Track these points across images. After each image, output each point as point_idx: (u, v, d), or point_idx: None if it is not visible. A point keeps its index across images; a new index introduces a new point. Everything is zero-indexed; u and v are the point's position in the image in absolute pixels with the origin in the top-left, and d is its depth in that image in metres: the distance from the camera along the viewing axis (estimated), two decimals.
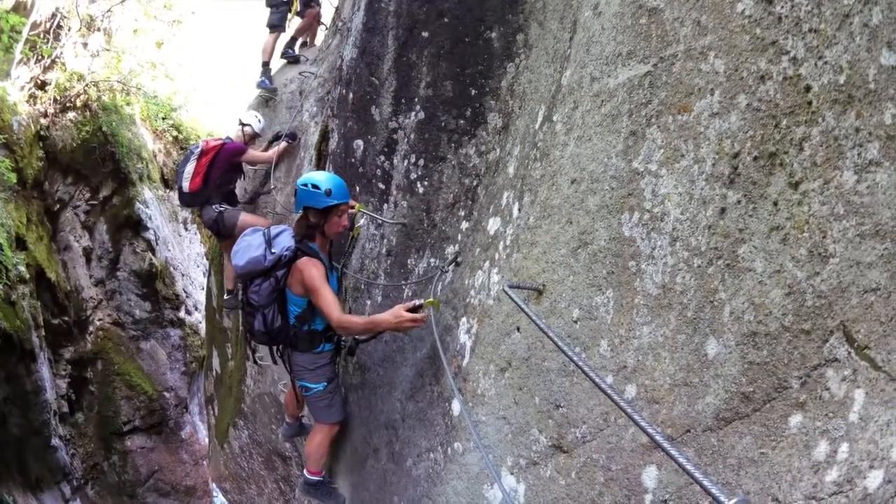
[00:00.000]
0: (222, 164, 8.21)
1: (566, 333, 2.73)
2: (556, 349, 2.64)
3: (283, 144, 8.78)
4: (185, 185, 8.19)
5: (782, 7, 1.94)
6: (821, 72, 1.82)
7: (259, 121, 8.96)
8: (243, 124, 8.92)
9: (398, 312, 3.92)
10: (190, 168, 8.12)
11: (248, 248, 4.60)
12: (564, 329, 2.76)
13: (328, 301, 4.33)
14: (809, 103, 1.85)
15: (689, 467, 1.65)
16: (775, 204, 1.90)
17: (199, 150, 8.14)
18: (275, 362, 5.34)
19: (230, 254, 8.58)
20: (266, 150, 9.01)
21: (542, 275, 2.98)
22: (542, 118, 3.33)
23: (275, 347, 5.11)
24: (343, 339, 5.16)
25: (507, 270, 3.32)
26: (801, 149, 1.85)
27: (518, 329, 3.15)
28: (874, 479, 1.62)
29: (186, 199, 8.57)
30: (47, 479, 12.78)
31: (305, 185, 4.44)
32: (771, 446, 1.86)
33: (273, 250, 4.48)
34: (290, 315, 4.73)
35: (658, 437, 1.77)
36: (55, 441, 12.81)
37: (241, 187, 9.08)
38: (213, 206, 8.34)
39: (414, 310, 3.93)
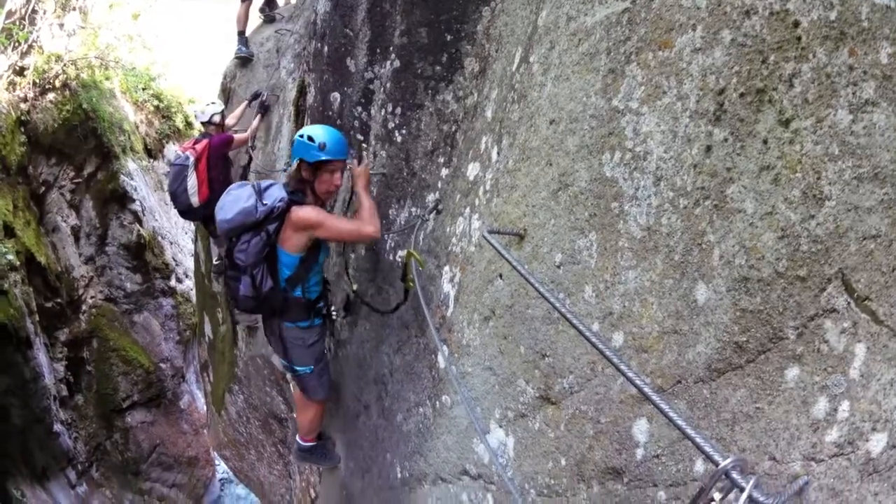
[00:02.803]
0: (218, 161, 8.02)
1: (549, 279, 2.65)
2: (539, 296, 2.54)
3: (257, 119, 8.70)
4: (195, 200, 7.96)
5: None
6: (810, 7, 1.70)
7: (213, 104, 8.63)
8: (206, 123, 8.56)
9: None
10: (192, 182, 7.87)
11: (235, 201, 4.26)
12: (547, 274, 2.67)
13: (337, 220, 4.22)
14: (798, 38, 1.73)
15: (680, 423, 1.58)
16: (765, 142, 1.79)
17: (191, 160, 7.83)
18: (266, 331, 5.04)
19: None
20: (246, 107, 8.96)
21: (522, 219, 2.89)
22: (518, 60, 3.22)
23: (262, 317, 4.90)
24: (333, 308, 4.97)
25: (488, 216, 3.24)
26: (791, 85, 1.74)
27: (501, 276, 3.07)
28: (878, 443, 1.53)
29: (199, 212, 8.28)
30: (52, 467, 12.84)
31: (302, 136, 4.21)
32: (767, 401, 1.77)
33: (264, 201, 4.17)
34: (281, 277, 4.44)
35: (647, 390, 1.69)
36: (57, 427, 12.84)
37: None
38: None
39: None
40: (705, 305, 1.94)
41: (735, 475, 1.47)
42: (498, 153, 3.26)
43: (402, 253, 3.94)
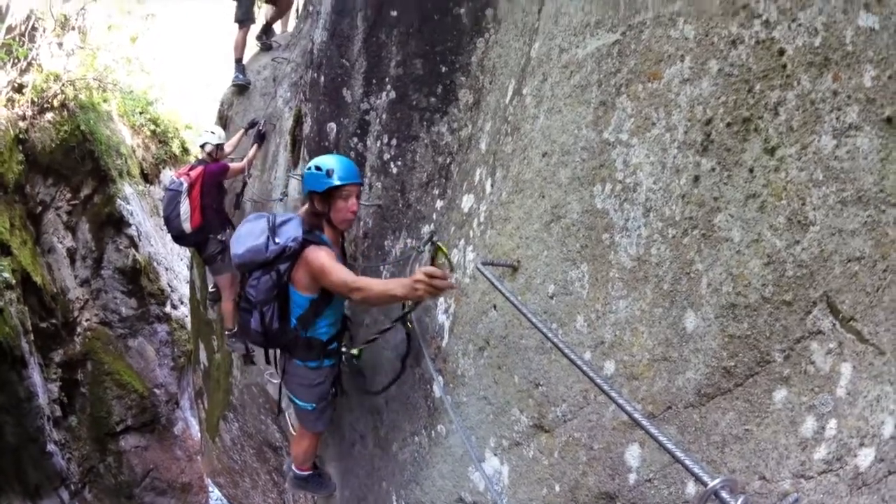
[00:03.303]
0: (212, 189, 8.01)
1: (542, 309, 2.68)
2: (533, 326, 2.58)
3: (254, 149, 8.71)
4: (187, 226, 7.92)
5: None
6: (794, 34, 1.76)
7: (212, 133, 8.60)
8: (203, 146, 8.56)
9: (412, 278, 3.22)
10: (185, 207, 7.84)
11: (248, 235, 4.04)
12: (540, 305, 2.70)
13: (339, 272, 3.80)
14: (784, 66, 1.79)
15: (670, 446, 1.60)
16: (751, 171, 1.84)
17: (184, 186, 7.82)
18: (267, 361, 4.85)
19: (230, 290, 8.46)
20: (243, 135, 8.97)
21: (516, 251, 2.93)
22: (511, 92, 3.27)
23: (270, 350, 4.70)
24: (344, 347, 4.72)
25: (482, 247, 3.27)
26: (777, 113, 1.79)
27: (495, 307, 3.10)
28: (865, 458, 1.57)
29: (191, 239, 8.29)
30: (46, 486, 12.75)
31: (309, 168, 4.02)
32: (755, 423, 1.81)
33: (277, 240, 3.94)
34: (292, 316, 4.18)
35: (637, 416, 1.71)
36: (51, 447, 12.77)
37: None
38: (218, 237, 8.15)
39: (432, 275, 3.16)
40: (694, 332, 1.97)
41: (724, 495, 1.49)
42: (492, 185, 3.30)
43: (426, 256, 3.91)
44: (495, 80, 3.70)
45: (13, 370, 11.30)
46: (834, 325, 1.64)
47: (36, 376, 12.24)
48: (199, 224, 7.93)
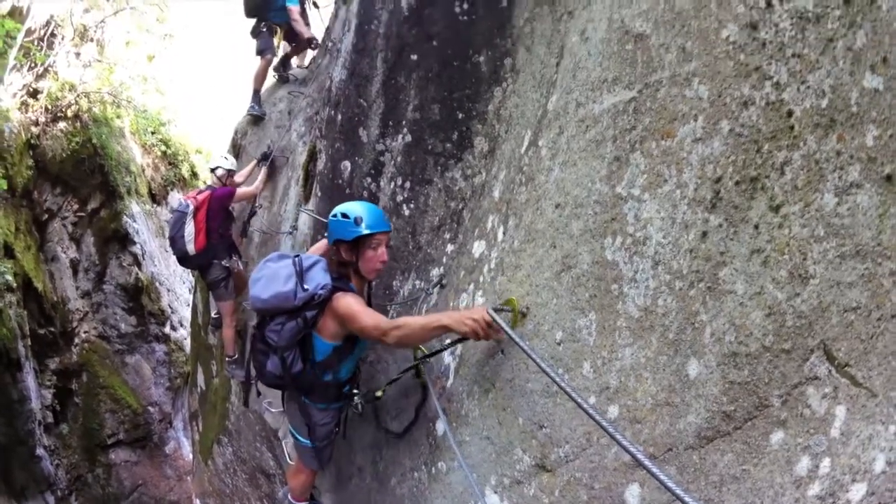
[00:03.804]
0: (218, 213, 8.11)
1: (549, 355, 2.75)
2: (539, 370, 2.65)
3: (262, 174, 8.84)
4: (191, 248, 8.02)
5: (766, 33, 1.98)
6: (803, 96, 1.86)
7: (225, 159, 8.74)
8: (214, 170, 8.69)
9: (468, 314, 3.07)
10: (189, 229, 7.95)
11: (273, 279, 3.90)
12: (547, 351, 2.78)
13: (370, 316, 3.63)
14: (791, 128, 1.89)
15: (670, 485, 1.68)
16: (756, 227, 1.94)
17: (190, 208, 7.96)
18: (284, 408, 4.69)
19: (232, 317, 8.48)
20: (255, 167, 9.07)
21: (525, 298, 3.00)
22: (527, 143, 3.37)
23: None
24: (357, 391, 4.50)
25: (492, 293, 3.33)
26: (783, 173, 1.89)
27: (502, 351, 3.16)
28: (857, 492, 1.65)
29: (194, 261, 8.38)
30: (32, 489, 12.75)
31: (335, 215, 3.88)
32: (753, 463, 1.90)
33: (305, 286, 3.81)
34: (312, 360, 4.05)
35: (640, 456, 1.79)
36: (40, 451, 12.84)
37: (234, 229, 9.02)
38: (223, 262, 8.23)
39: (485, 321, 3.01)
40: (696, 379, 2.07)
41: None
42: (504, 233, 3.38)
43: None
44: (511, 130, 3.79)
45: (7, 372, 11.41)
46: (830, 370, 1.73)
47: (30, 381, 12.35)
48: (202, 247, 8.04)
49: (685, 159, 2.21)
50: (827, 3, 1.83)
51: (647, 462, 1.77)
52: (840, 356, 1.71)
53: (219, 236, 8.17)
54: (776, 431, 1.85)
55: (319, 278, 3.85)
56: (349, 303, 3.72)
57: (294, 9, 9.82)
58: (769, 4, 1.98)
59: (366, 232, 3.79)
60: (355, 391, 4.47)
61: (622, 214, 2.46)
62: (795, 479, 1.79)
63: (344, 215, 3.83)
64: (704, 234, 2.10)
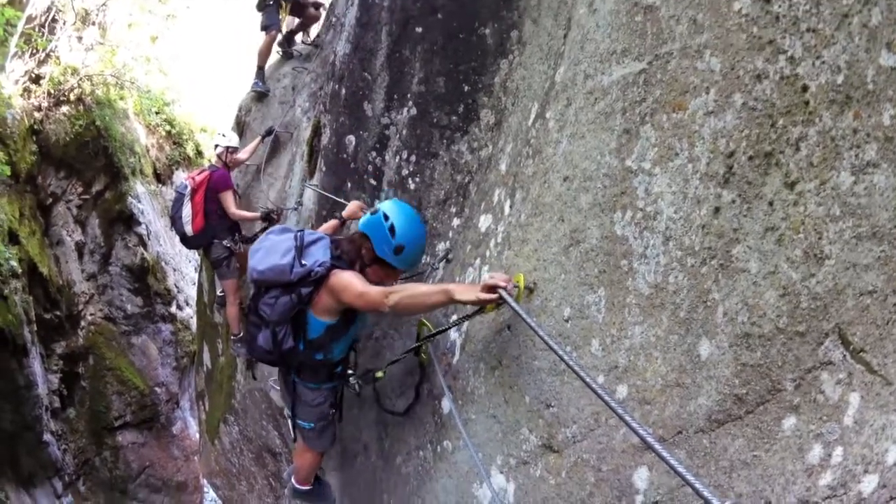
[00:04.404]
0: (215, 194, 8.06)
1: (557, 332, 2.71)
2: (546, 348, 2.61)
3: (254, 143, 8.86)
4: (188, 229, 8.04)
5: (780, 6, 1.92)
6: (818, 71, 1.81)
7: (223, 136, 8.64)
8: (217, 147, 8.59)
9: (485, 284, 2.88)
10: (187, 210, 7.95)
11: (271, 251, 3.85)
12: (555, 328, 2.73)
13: (366, 284, 3.55)
14: (807, 103, 1.83)
15: (680, 469, 1.63)
16: (770, 204, 1.89)
17: (188, 189, 7.95)
18: (284, 385, 4.54)
19: (235, 295, 8.44)
20: (259, 143, 8.99)
21: (533, 273, 2.96)
22: (534, 115, 3.32)
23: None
24: (350, 371, 4.46)
25: (498, 268, 3.29)
26: (798, 149, 1.84)
27: (509, 327, 3.12)
28: (869, 484, 1.61)
29: (193, 242, 8.44)
30: (39, 475, 12.81)
31: (387, 217, 3.67)
32: (764, 449, 1.85)
33: (304, 261, 3.73)
34: (305, 338, 3.96)
35: (649, 439, 1.75)
36: (47, 436, 12.85)
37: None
38: (224, 243, 8.21)
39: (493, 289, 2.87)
40: (708, 360, 2.02)
41: None
42: (510, 207, 3.34)
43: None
44: (518, 102, 3.75)
45: (14, 358, 11.39)
46: (844, 356, 1.69)
47: (37, 366, 12.33)
48: (200, 228, 8.04)
49: (697, 132, 2.15)
50: None
51: (656, 445, 1.72)
52: (855, 341, 1.67)
53: (217, 217, 8.11)
54: (789, 417, 1.80)
55: (319, 255, 3.76)
56: (346, 276, 3.63)
57: None
58: None
59: (395, 264, 3.75)
60: (350, 372, 4.42)
61: (632, 188, 2.40)
62: (807, 467, 1.75)
63: (392, 230, 3.65)
64: (717, 209, 2.04)
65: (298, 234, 3.93)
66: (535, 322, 2.49)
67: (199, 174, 8.12)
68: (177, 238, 14.47)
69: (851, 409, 1.66)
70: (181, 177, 18.32)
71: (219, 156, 8.45)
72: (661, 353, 2.21)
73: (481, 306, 3.04)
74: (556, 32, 3.39)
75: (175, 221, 8.18)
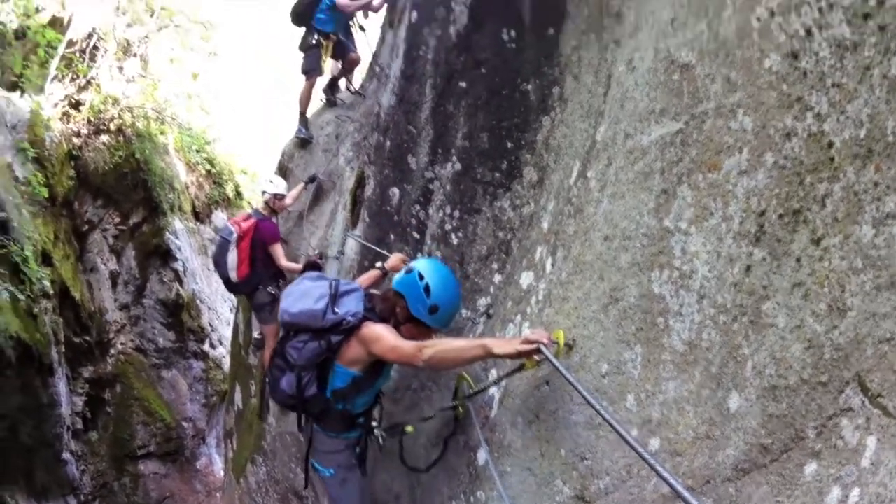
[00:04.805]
0: (261, 243, 8.07)
1: (594, 387, 2.77)
2: (583, 403, 2.72)
3: (298, 189, 8.89)
4: (233, 275, 8.01)
5: (807, 62, 2.00)
6: (843, 126, 1.87)
7: (271, 182, 8.64)
8: (264, 193, 8.60)
9: (524, 339, 2.96)
10: (233, 257, 7.93)
11: (304, 296, 3.86)
12: (593, 383, 2.80)
13: (399, 338, 3.55)
14: (832, 159, 1.90)
15: None
16: (798, 260, 1.96)
17: (234, 236, 7.92)
18: (299, 428, 4.44)
19: (274, 340, 8.27)
20: (303, 189, 9.08)
21: (572, 330, 3.03)
22: (576, 174, 3.41)
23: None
24: (375, 422, 4.37)
25: (539, 324, 3.35)
26: (824, 205, 1.91)
27: (547, 383, 3.18)
28: None
29: (237, 288, 8.46)
30: (54, 490, 12.78)
31: (422, 277, 3.67)
32: (786, 494, 1.91)
33: (337, 309, 3.72)
34: (329, 386, 3.90)
35: (679, 488, 1.80)
36: (66, 455, 12.86)
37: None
38: (268, 289, 8.22)
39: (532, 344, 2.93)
40: (737, 412, 2.09)
41: None
42: (552, 265, 3.42)
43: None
44: (560, 160, 3.83)
45: (39, 375, 11.46)
46: (863, 402, 1.74)
47: (62, 386, 12.38)
48: (246, 275, 8.03)
49: (731, 192, 2.23)
50: (863, 30, 1.84)
51: (686, 494, 1.78)
52: (873, 387, 1.72)
53: (263, 265, 8.13)
54: (810, 463, 1.86)
55: (352, 305, 3.76)
56: (379, 328, 3.63)
57: (342, 3, 9.66)
58: (809, 33, 2.00)
59: (430, 324, 3.74)
60: (374, 424, 4.34)
61: (669, 247, 2.49)
62: None
63: (427, 290, 3.66)
64: (748, 267, 2.12)
65: (333, 282, 3.95)
66: (573, 377, 2.56)
67: (244, 220, 8.11)
68: (214, 277, 14.52)
69: (869, 451, 1.70)
70: (220, 217, 18.56)
71: (266, 202, 8.46)
72: (693, 407, 2.28)
73: (522, 363, 3.07)
74: (597, 90, 3.49)
75: (219, 266, 8.20)
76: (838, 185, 1.87)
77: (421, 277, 3.67)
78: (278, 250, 8.12)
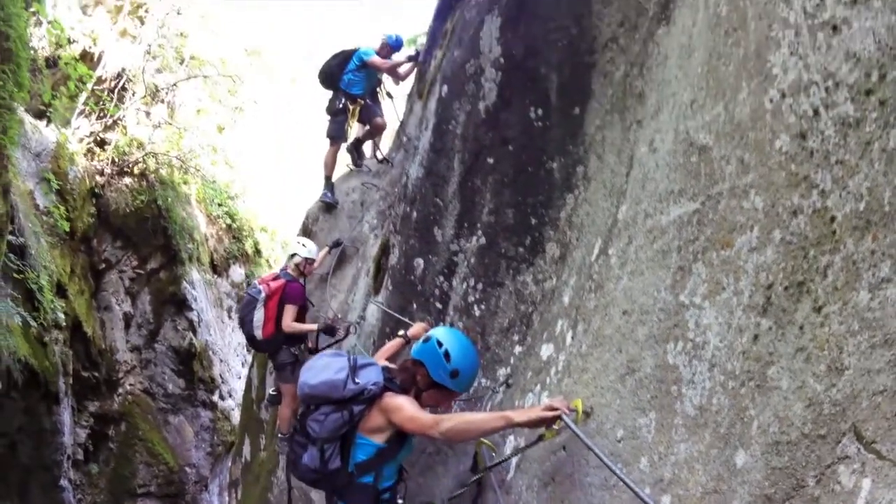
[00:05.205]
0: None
1: (610, 451, 2.88)
2: (598, 466, 2.85)
3: (322, 253, 8.95)
4: (259, 333, 8.02)
5: (814, 141, 2.13)
6: (844, 201, 1.99)
7: (304, 246, 8.68)
8: (294, 256, 8.60)
9: (546, 407, 3.13)
10: (259, 315, 7.97)
11: (324, 369, 3.87)
12: (609, 447, 2.91)
13: (419, 409, 3.61)
14: (834, 232, 2.02)
15: None
16: (801, 328, 2.10)
17: (262, 295, 7.95)
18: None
19: (293, 398, 8.37)
20: (326, 254, 9.19)
21: (590, 398, 3.17)
22: (598, 251, 3.56)
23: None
24: (401, 499, 4.19)
25: (558, 394, 3.46)
26: (825, 275, 2.04)
27: (564, 448, 3.28)
28: None
29: (261, 346, 8.48)
30: None
31: (441, 344, 3.74)
32: None
33: (357, 380, 3.75)
34: (352, 459, 3.83)
35: None
36: (64, 482, 12.86)
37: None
38: (291, 350, 8.29)
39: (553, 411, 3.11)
40: (743, 468, 2.23)
41: None
42: (572, 337, 3.56)
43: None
44: (582, 237, 3.94)
45: (44, 402, 11.56)
46: (859, 449, 1.85)
47: (66, 416, 12.48)
48: (271, 334, 8.06)
49: (742, 268, 2.38)
50: (865, 106, 1.96)
51: None
52: (868, 435, 1.84)
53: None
54: None
55: (372, 376, 3.80)
56: (399, 398, 3.68)
57: (375, 60, 9.86)
58: (816, 112, 2.13)
59: (452, 387, 3.78)
60: (400, 501, 4.18)
61: (684, 321, 2.64)
62: None
63: (447, 355, 3.71)
64: (756, 336, 2.27)
65: (352, 357, 3.99)
66: (592, 443, 2.73)
67: (273, 280, 8.19)
68: (227, 329, 14.57)
69: (864, 492, 1.82)
70: (238, 272, 18.73)
71: (297, 265, 8.52)
72: (702, 465, 2.40)
73: (541, 434, 3.19)
74: (619, 169, 3.64)
75: (245, 324, 8.25)
76: (839, 255, 2.00)
77: (440, 344, 3.74)
78: (290, 312, 8.13)
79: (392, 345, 4.83)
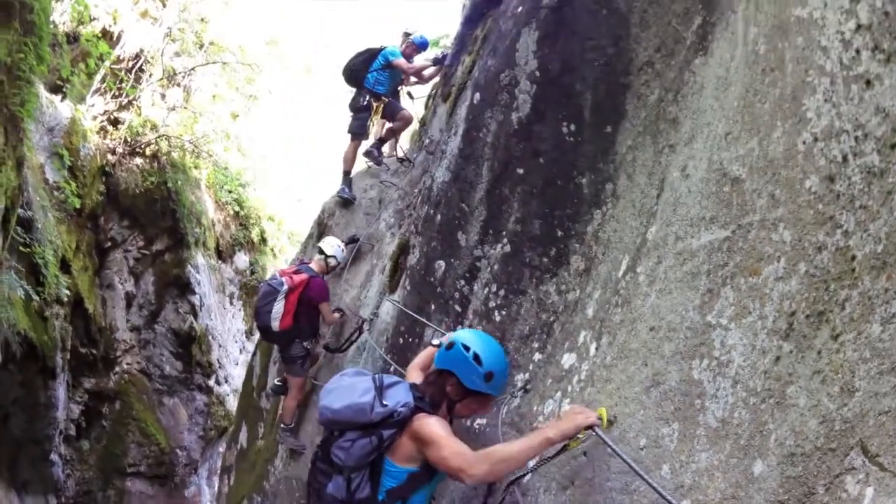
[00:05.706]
0: (309, 301, 8.15)
1: (632, 458, 2.93)
2: (619, 471, 2.98)
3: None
4: (276, 325, 7.97)
5: (841, 185, 2.28)
6: (865, 243, 2.15)
7: (341, 249, 8.67)
8: (327, 255, 8.55)
9: (574, 414, 3.11)
10: (279, 307, 7.93)
11: (348, 391, 3.55)
12: (631, 455, 2.99)
13: (455, 443, 3.25)
14: (853, 270, 2.19)
15: None
16: (819, 353, 2.27)
17: (284, 287, 7.90)
18: None
19: (300, 391, 8.51)
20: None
21: (614, 408, 3.29)
22: (625, 267, 3.66)
23: None
24: None
25: (580, 402, 3.57)
26: (844, 308, 2.21)
27: (584, 453, 3.36)
28: None
29: (275, 338, 8.48)
30: (35, 486, 12.86)
31: (468, 348, 3.50)
32: None
33: (385, 402, 3.43)
34: (381, 487, 3.47)
35: None
36: (54, 456, 12.97)
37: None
38: (304, 344, 8.35)
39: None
40: (759, 476, 2.41)
41: None
42: (596, 349, 3.68)
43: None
44: (608, 253, 4.01)
45: (40, 376, 11.63)
46: (864, 461, 2.02)
47: (61, 392, 12.55)
48: (288, 327, 8.07)
49: (767, 295, 2.55)
50: (890, 159, 2.06)
51: None
52: (872, 449, 2.01)
53: (306, 320, 8.21)
54: None
55: (401, 396, 3.48)
56: (433, 426, 3.35)
57: (401, 62, 9.88)
58: (845, 159, 2.26)
59: (488, 392, 3.58)
60: None
61: (710, 340, 2.79)
62: None
63: (476, 358, 3.48)
64: (778, 358, 2.45)
65: (376, 376, 3.68)
66: (619, 449, 2.88)
67: (295, 274, 8.16)
68: (228, 315, 14.53)
69: (867, 500, 1.99)
70: (242, 259, 18.80)
71: (330, 266, 8.61)
72: (722, 474, 2.56)
73: (566, 444, 3.15)
74: (650, 191, 3.71)
75: (260, 314, 8.20)
76: (856, 291, 2.17)
77: (466, 348, 3.52)
78: (327, 308, 8.26)
79: (425, 355, 4.44)
